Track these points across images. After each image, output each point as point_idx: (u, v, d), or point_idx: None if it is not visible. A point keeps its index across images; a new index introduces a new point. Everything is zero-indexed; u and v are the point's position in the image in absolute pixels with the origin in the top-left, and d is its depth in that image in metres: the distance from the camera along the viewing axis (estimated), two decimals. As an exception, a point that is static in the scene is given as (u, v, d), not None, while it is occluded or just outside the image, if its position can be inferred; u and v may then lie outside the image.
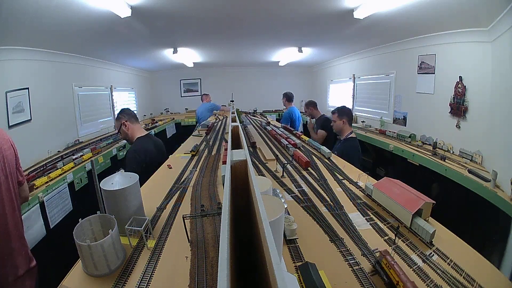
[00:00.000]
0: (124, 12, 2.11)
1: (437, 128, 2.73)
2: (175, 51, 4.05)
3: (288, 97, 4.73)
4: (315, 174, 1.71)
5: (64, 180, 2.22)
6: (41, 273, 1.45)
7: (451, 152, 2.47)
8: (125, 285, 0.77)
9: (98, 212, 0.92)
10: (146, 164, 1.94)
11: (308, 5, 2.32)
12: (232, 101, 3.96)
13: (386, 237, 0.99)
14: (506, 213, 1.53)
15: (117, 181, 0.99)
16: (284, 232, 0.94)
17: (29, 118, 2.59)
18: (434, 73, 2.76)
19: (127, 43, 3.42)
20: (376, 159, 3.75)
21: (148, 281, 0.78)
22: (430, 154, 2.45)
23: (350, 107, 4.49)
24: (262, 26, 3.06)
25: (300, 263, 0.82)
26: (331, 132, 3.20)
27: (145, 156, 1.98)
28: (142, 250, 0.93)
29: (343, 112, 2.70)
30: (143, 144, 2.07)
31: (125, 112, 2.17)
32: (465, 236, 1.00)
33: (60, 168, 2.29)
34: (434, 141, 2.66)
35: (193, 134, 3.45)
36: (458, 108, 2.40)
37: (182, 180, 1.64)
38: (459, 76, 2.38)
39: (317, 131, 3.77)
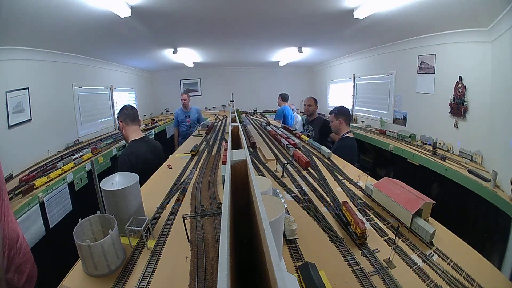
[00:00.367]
0: (124, 12, 2.11)
1: (437, 128, 2.73)
2: (175, 51, 4.05)
3: (283, 97, 4.95)
4: (315, 174, 1.71)
5: (64, 180, 2.21)
6: (41, 273, 1.45)
7: (451, 152, 2.47)
8: (125, 285, 0.77)
9: (98, 212, 0.92)
10: (139, 170, 1.90)
11: (308, 5, 2.32)
12: (232, 101, 3.95)
13: (386, 237, 0.99)
14: (506, 213, 1.53)
15: (117, 181, 0.99)
16: (284, 232, 0.94)
17: (29, 118, 2.58)
18: (434, 73, 2.76)
19: (127, 43, 3.42)
20: (376, 159, 3.75)
21: (148, 281, 0.78)
22: (430, 154, 2.45)
23: (350, 107, 4.50)
24: (262, 26, 3.05)
25: (300, 263, 0.82)
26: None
27: (136, 161, 1.94)
28: (142, 250, 0.93)
29: (340, 112, 2.72)
30: (135, 148, 2.04)
31: (123, 111, 2.15)
32: (465, 236, 1.00)
33: (60, 168, 2.28)
34: (434, 141, 2.66)
35: (193, 134, 3.45)
36: (458, 108, 2.40)
37: (182, 180, 1.64)
38: (459, 76, 2.38)
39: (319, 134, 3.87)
